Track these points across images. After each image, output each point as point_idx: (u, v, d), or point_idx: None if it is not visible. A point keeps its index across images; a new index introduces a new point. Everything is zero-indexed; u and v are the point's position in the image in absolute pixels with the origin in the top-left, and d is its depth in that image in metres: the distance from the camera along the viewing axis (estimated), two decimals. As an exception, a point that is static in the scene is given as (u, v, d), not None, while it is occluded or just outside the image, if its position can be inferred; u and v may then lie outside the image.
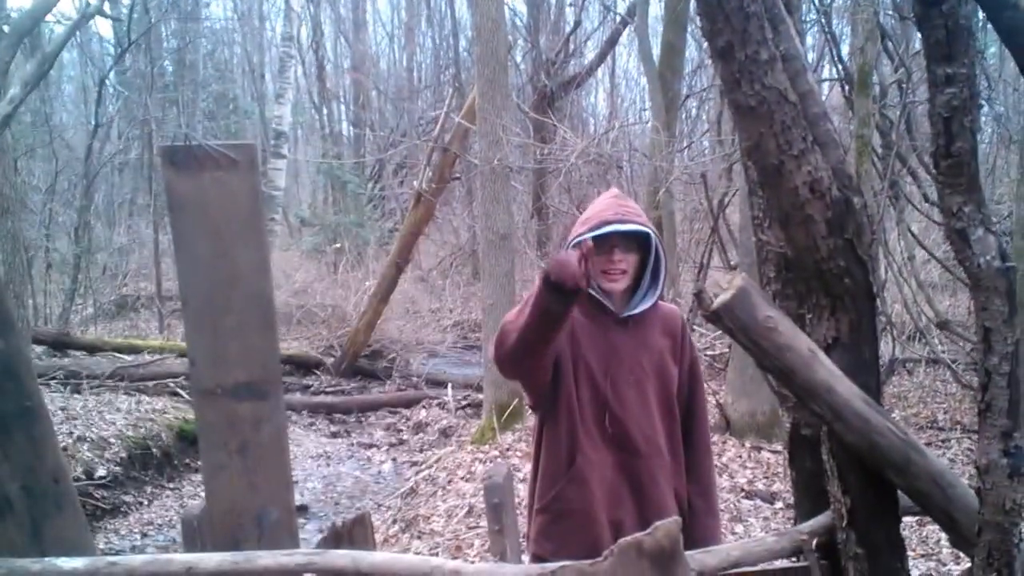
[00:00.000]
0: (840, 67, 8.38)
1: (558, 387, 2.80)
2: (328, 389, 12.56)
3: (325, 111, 24.21)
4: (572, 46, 17.78)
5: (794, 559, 2.10)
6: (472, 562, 5.29)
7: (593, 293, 2.73)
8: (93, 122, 15.03)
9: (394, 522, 7.27)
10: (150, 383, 11.13)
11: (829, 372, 1.77)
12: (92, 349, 12.33)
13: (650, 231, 2.69)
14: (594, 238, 2.58)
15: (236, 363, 1.90)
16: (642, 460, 2.71)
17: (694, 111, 17.80)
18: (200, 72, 22.35)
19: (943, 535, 5.49)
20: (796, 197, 1.75)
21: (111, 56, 18.75)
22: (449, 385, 11.97)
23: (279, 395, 1.97)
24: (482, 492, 2.05)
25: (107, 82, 15.82)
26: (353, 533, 1.99)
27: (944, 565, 5.35)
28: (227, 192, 1.84)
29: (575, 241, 2.64)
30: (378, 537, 6.70)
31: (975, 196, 1.57)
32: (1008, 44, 1.54)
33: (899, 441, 1.79)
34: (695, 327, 10.93)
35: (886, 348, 8.77)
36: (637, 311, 2.76)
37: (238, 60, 27.47)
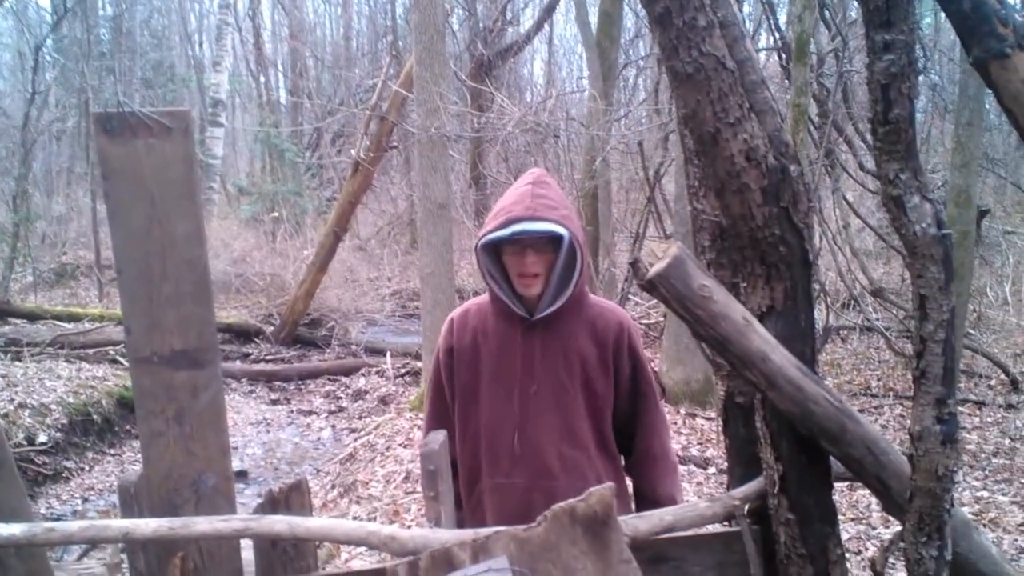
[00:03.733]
0: (777, 36, 8.46)
1: (457, 414, 2.67)
2: (268, 357, 12.61)
3: (262, 79, 23.88)
4: (509, 14, 17.69)
5: (727, 524, 2.12)
6: (409, 527, 5.31)
7: (503, 297, 2.57)
8: (30, 90, 14.81)
9: (333, 487, 7.32)
10: (90, 351, 11.24)
11: (764, 340, 1.78)
12: (32, 317, 12.41)
13: (564, 231, 2.45)
14: (508, 238, 2.45)
15: (172, 331, 1.88)
16: (557, 482, 2.51)
17: (632, 80, 17.86)
18: (137, 40, 21.88)
19: (873, 500, 5.67)
20: (732, 165, 1.74)
21: (47, 24, 18.28)
22: (388, 353, 12.00)
23: (216, 363, 1.95)
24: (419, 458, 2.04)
25: (43, 50, 15.48)
26: (290, 499, 1.97)
27: (874, 528, 5.50)
28: (161, 159, 1.81)
29: (483, 240, 2.49)
30: (317, 502, 6.73)
31: (912, 163, 1.57)
32: (945, 9, 1.54)
33: (833, 409, 1.80)
34: (631, 295, 11.02)
35: (820, 316, 8.95)
36: (548, 312, 2.55)
37: (175, 28, 26.92)
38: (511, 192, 2.56)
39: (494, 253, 2.57)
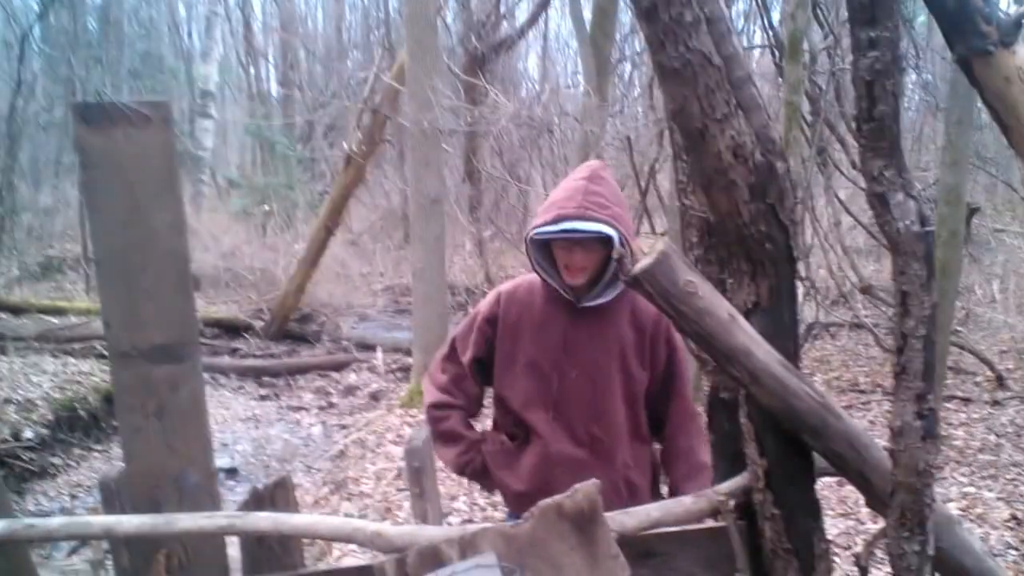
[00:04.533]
0: (771, 33, 8.45)
1: (496, 380, 2.75)
2: (257, 352, 12.50)
3: (252, 71, 23.80)
4: (503, 8, 17.65)
5: (713, 519, 2.13)
6: (400, 523, 5.31)
7: (551, 282, 2.63)
8: (16, 80, 14.60)
9: (323, 484, 7.31)
10: (77, 345, 11.03)
11: (748, 336, 1.78)
12: (17, 311, 12.19)
13: (613, 233, 2.46)
14: (557, 235, 2.48)
15: (152, 325, 1.86)
16: (584, 462, 2.60)
17: (626, 76, 17.84)
18: (125, 30, 21.76)
19: (861, 496, 5.66)
20: (719, 161, 1.74)
21: (34, 12, 18.13)
22: (379, 349, 11.95)
23: (197, 357, 1.94)
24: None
25: (30, 39, 15.34)
26: (275, 496, 1.96)
27: (862, 524, 5.52)
28: (140, 149, 1.79)
29: (532, 234, 2.53)
30: (308, 499, 6.71)
31: (896, 160, 1.57)
32: (930, 7, 1.55)
33: (816, 404, 1.81)
34: (623, 291, 11.03)
35: (810, 312, 8.97)
36: (596, 303, 2.62)
37: (164, 18, 26.80)
38: (565, 184, 2.60)
39: (544, 242, 2.61)
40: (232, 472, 8.09)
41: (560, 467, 2.60)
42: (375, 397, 10.48)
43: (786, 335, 1.88)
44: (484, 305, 2.82)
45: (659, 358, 2.70)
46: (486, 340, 2.76)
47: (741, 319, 1.80)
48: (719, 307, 1.77)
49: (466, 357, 2.80)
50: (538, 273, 2.66)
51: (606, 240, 2.49)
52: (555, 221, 2.46)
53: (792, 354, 1.87)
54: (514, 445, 2.75)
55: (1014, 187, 14.67)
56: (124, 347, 1.86)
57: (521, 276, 2.88)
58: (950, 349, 8.13)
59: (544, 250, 2.63)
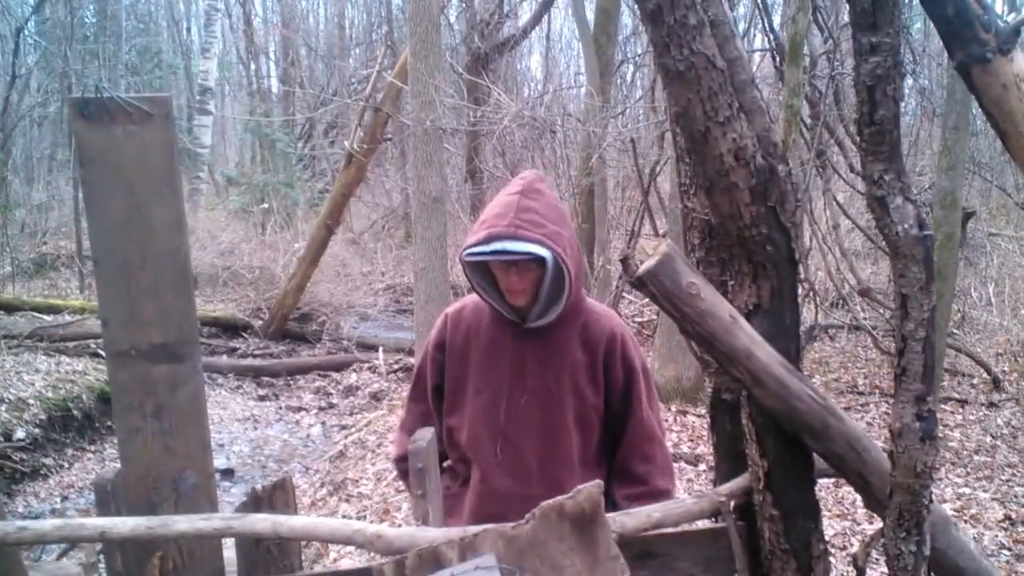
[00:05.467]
0: (771, 37, 8.46)
1: (444, 407, 2.63)
2: (256, 352, 12.44)
3: (253, 67, 23.73)
4: (507, 7, 17.63)
5: (713, 520, 2.14)
6: (399, 525, 5.31)
7: (493, 304, 2.52)
8: (10, 73, 14.48)
9: (322, 485, 7.30)
10: (71, 344, 10.88)
11: (750, 338, 1.79)
12: (10, 308, 12.03)
13: (547, 253, 2.32)
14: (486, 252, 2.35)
15: (151, 324, 1.85)
16: (534, 491, 2.31)
17: (629, 77, 17.85)
18: (123, 23, 21.65)
19: (858, 496, 5.68)
20: (721, 164, 1.75)
21: (29, 5, 18.07)
22: (380, 349, 11.92)
23: (196, 357, 1.93)
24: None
25: (25, 32, 15.26)
26: (274, 497, 1.95)
27: (859, 524, 5.54)
28: (140, 146, 1.78)
29: (465, 253, 2.40)
30: (306, 500, 6.71)
31: (895, 165, 1.58)
32: (930, 14, 1.56)
33: (817, 406, 1.82)
34: (625, 294, 11.04)
35: (809, 315, 8.97)
36: (542, 323, 2.49)
37: (162, 12, 26.75)
38: (498, 200, 2.46)
39: (481, 262, 2.49)
40: (228, 473, 8.07)
41: (503, 503, 2.42)
42: (376, 397, 10.46)
43: (787, 337, 1.89)
44: (434, 330, 2.71)
45: (614, 379, 2.54)
46: (439, 367, 2.64)
47: (743, 321, 1.81)
48: (721, 309, 1.78)
49: (428, 389, 2.69)
50: (479, 295, 2.55)
51: (542, 260, 2.35)
52: (487, 241, 2.34)
53: (793, 356, 1.88)
54: (457, 486, 2.65)
55: (1008, 192, 14.74)
56: (122, 346, 1.85)
57: (467, 296, 2.73)
58: (946, 351, 8.17)
59: (482, 268, 2.51)
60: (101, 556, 1.86)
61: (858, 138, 1.63)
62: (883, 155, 1.58)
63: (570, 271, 2.39)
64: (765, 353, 1.79)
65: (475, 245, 2.36)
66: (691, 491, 6.13)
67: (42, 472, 7.88)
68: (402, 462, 2.67)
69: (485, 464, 2.54)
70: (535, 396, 2.50)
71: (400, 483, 6.39)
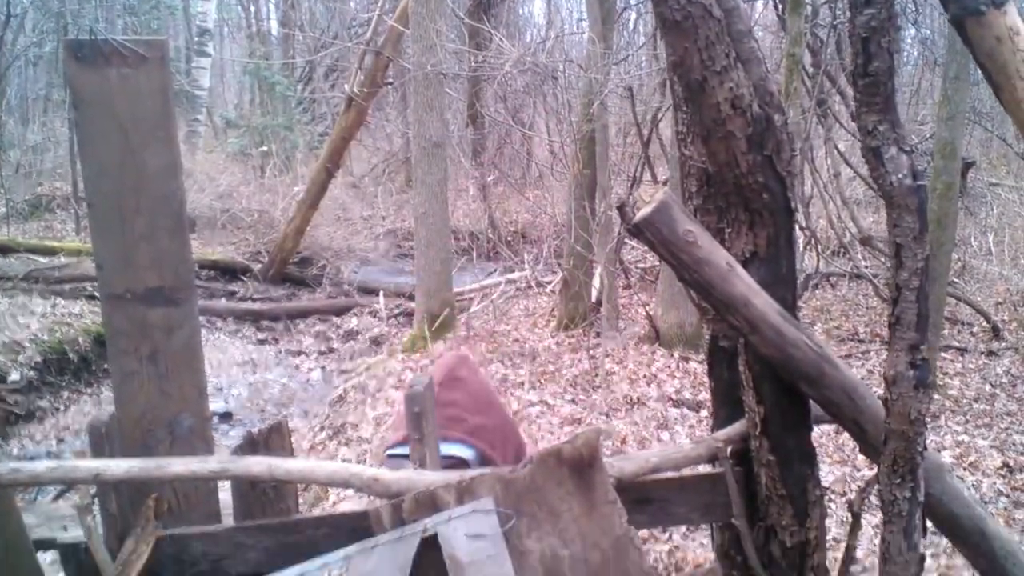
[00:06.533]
0: (773, -15, 8.36)
1: None
2: (255, 296, 12.37)
3: (252, 8, 23.39)
4: (510, -49, 17.39)
5: (711, 466, 2.16)
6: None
7: None
8: (4, 12, 14.19)
9: (321, 429, 7.34)
10: (66, 286, 10.83)
11: (746, 286, 1.79)
12: (5, 250, 11.92)
13: (470, 449, 2.24)
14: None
15: (146, 268, 1.84)
16: None
17: (631, 24, 17.64)
18: (121, -38, 21.26)
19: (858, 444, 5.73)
20: (718, 113, 1.75)
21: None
22: (381, 293, 11.90)
23: (192, 301, 1.92)
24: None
25: (20, -30, 14.96)
26: (270, 441, 1.96)
27: (858, 471, 5.58)
28: (135, 90, 1.76)
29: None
30: (305, 444, 6.75)
31: (890, 116, 1.58)
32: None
33: (813, 354, 1.82)
34: (626, 241, 11.03)
35: (811, 263, 8.96)
36: None
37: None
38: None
39: None
40: (227, 416, 8.09)
41: None
42: (376, 342, 10.47)
43: (784, 285, 1.89)
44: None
45: None
46: None
47: (739, 268, 1.80)
48: (718, 256, 1.77)
49: None
50: None
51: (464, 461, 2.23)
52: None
53: (790, 304, 1.88)
54: None
55: (1008, 142, 14.64)
56: (117, 290, 1.84)
57: None
58: (947, 300, 8.16)
59: None
60: (96, 499, 1.85)
61: (852, 89, 1.62)
62: (877, 106, 1.58)
63: (494, 463, 2.26)
64: (762, 301, 1.79)
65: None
66: (693, 436, 6.17)
67: (37, 415, 7.90)
68: None
69: None
70: None
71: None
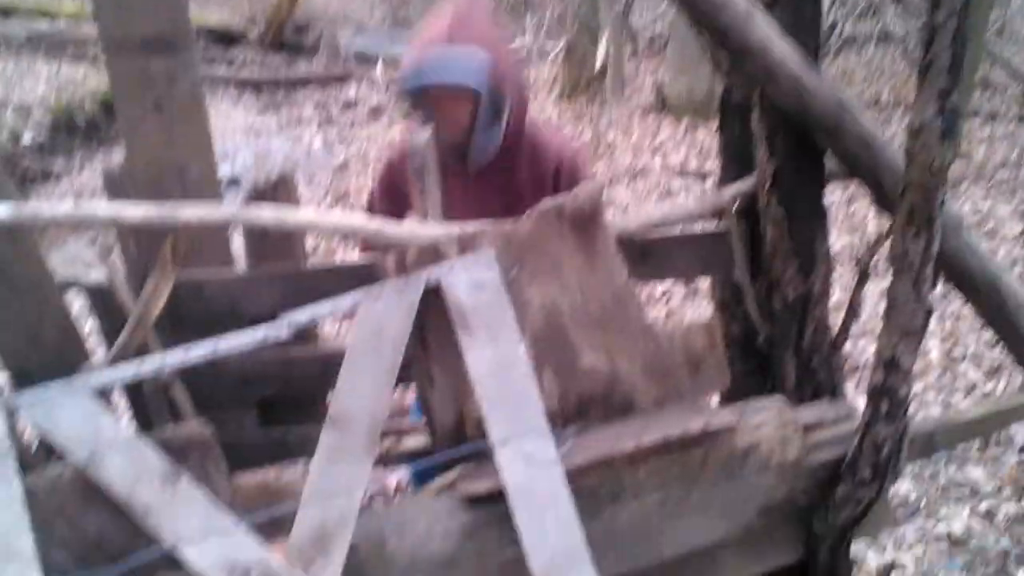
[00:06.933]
0: None
1: None
2: (254, 63, 12.20)
3: None
4: None
5: (716, 223, 2.13)
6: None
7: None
8: None
9: (326, 195, 7.42)
10: (68, 50, 10.70)
11: (765, 33, 1.71)
12: (6, 12, 11.74)
13: (474, 85, 2.21)
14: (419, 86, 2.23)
15: (142, 15, 1.79)
16: None
17: None
18: None
19: (870, 213, 5.71)
20: None
21: None
22: (380, 61, 11.68)
23: (191, 51, 1.88)
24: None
25: None
26: (277, 194, 1.96)
27: (869, 239, 5.59)
28: None
29: (400, 88, 2.28)
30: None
31: None
32: None
33: (832, 103, 1.76)
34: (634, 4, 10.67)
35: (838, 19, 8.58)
36: (484, 161, 2.39)
37: None
38: (426, 27, 2.29)
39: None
40: (234, 182, 8.13)
41: None
42: (375, 111, 10.39)
43: (806, 32, 1.79)
44: (377, 177, 2.60)
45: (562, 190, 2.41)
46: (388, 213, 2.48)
47: (759, 13, 1.72)
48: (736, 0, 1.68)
49: None
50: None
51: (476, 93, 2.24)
52: (414, 75, 2.24)
53: (812, 51, 1.80)
54: None
55: None
56: (116, 35, 1.81)
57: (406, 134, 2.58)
58: (982, 61, 7.81)
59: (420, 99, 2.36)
60: (117, 242, 1.91)
61: None
62: None
63: (507, 95, 2.28)
64: (780, 47, 1.72)
65: (403, 80, 2.26)
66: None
67: (53, 176, 8.02)
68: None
69: None
70: None
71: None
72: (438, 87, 2.24)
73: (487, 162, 2.42)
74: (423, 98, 2.34)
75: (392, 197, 2.56)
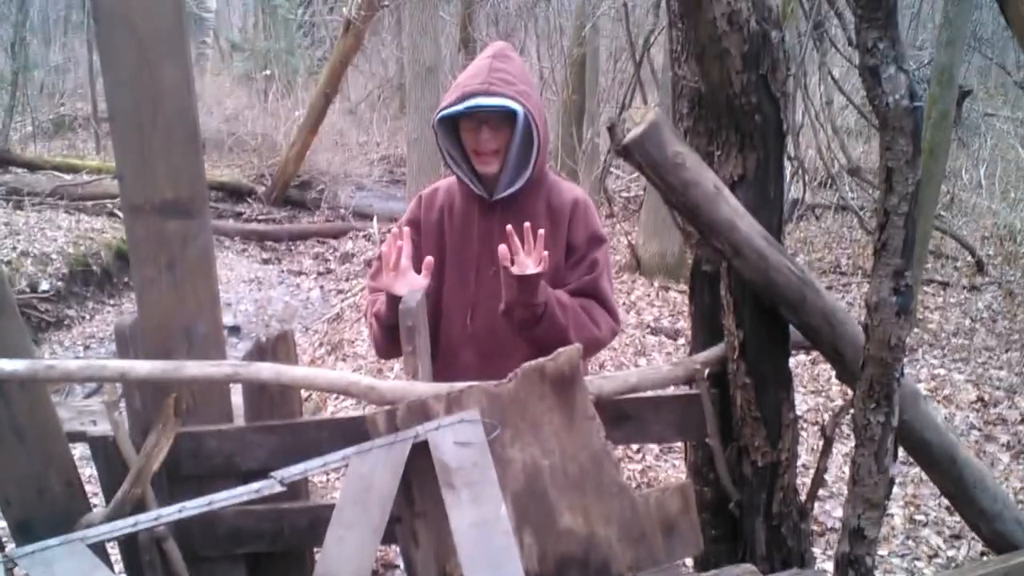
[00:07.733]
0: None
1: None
2: (260, 217, 12.75)
3: (256, -70, 22.91)
4: None
5: (688, 388, 2.21)
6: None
7: (462, 176, 2.52)
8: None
9: (320, 345, 7.52)
10: (89, 203, 11.20)
11: (733, 209, 1.82)
12: (32, 167, 12.28)
13: (519, 108, 2.35)
14: (462, 113, 2.38)
15: (163, 180, 1.91)
16: (504, 362, 2.11)
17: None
18: None
19: (833, 373, 5.75)
20: (714, 29, 1.74)
21: None
22: (375, 218, 12.03)
23: (205, 214, 2.00)
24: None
25: None
26: (276, 348, 2.05)
27: (832, 400, 5.68)
28: (150, 4, 1.82)
29: (439, 115, 2.43)
30: (305, 358, 6.93)
31: (890, 32, 1.56)
32: None
33: (795, 279, 1.86)
34: (613, 168, 10.97)
35: (796, 192, 8.89)
36: (506, 193, 2.49)
37: None
38: (471, 67, 2.49)
39: (453, 131, 2.52)
40: (235, 330, 8.36)
41: (469, 376, 2.26)
42: (370, 264, 10.55)
43: (771, 209, 1.91)
44: (407, 212, 2.70)
45: (576, 241, 2.53)
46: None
47: (727, 192, 1.83)
48: (706, 179, 1.80)
49: None
50: (449, 166, 2.56)
51: (513, 118, 2.39)
52: (460, 100, 2.36)
53: (776, 229, 1.91)
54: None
55: (1008, 70, 14.36)
56: (138, 200, 1.92)
57: (441, 179, 2.73)
58: (932, 233, 8.12)
59: (453, 138, 2.53)
60: (122, 397, 1.98)
61: (854, 4, 1.59)
62: (878, 22, 1.55)
63: (539, 130, 2.41)
64: (747, 224, 1.82)
65: (448, 106, 2.39)
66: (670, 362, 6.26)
67: (66, 323, 8.27)
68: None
69: (455, 336, 2.57)
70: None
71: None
72: (484, 109, 2.36)
73: (510, 194, 2.53)
74: (462, 126, 2.48)
75: (416, 228, 2.64)
